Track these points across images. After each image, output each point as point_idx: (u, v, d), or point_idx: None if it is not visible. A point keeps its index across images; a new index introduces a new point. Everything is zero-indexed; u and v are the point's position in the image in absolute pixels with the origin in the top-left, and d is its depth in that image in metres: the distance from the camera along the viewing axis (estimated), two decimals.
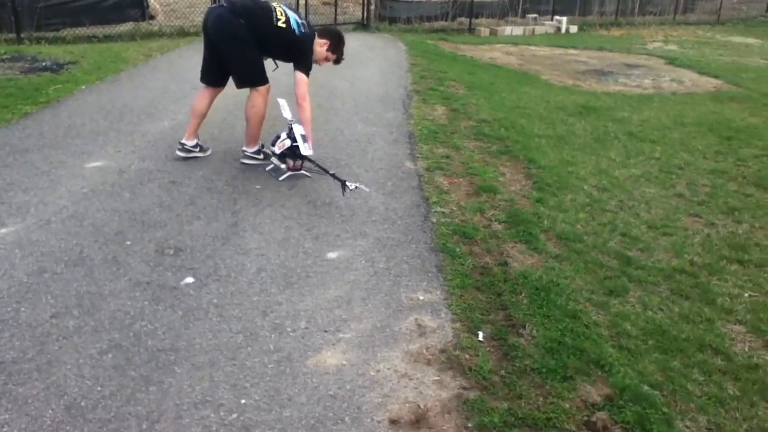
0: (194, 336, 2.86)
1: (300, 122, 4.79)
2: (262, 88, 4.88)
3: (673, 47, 14.80)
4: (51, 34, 10.74)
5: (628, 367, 2.82)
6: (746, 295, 3.63)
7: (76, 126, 5.86)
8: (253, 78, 4.85)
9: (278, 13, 4.73)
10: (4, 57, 9.00)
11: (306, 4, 13.84)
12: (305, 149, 4.70)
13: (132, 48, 10.30)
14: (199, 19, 12.80)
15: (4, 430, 2.25)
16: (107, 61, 9.03)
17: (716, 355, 3.01)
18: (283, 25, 4.72)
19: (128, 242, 3.71)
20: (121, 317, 2.97)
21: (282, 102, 4.83)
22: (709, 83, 10.56)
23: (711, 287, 3.67)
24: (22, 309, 2.98)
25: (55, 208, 4.10)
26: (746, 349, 3.10)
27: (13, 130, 5.67)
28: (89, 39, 10.91)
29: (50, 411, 2.36)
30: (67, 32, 10.99)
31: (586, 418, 2.50)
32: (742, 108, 8.74)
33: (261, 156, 5.09)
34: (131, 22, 11.95)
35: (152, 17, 12.67)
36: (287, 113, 4.79)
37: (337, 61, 5.10)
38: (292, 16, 4.83)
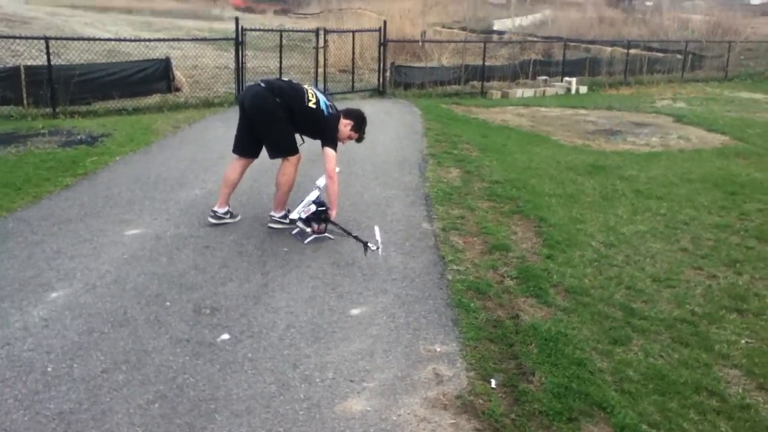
0: (232, 387, 3.16)
1: (327, 192, 5.19)
2: (293, 158, 5.31)
3: (681, 104, 15.20)
4: (84, 108, 11.37)
5: (628, 409, 3.08)
6: (743, 341, 3.87)
7: (114, 196, 6.28)
8: (286, 149, 5.29)
9: (309, 95, 5.21)
10: (43, 131, 9.56)
11: (324, 73, 14.49)
12: (295, 213, 5.14)
13: (160, 119, 10.86)
14: (222, 89, 13.51)
15: None
16: (138, 133, 9.55)
17: (712, 397, 3.26)
18: (314, 106, 5.19)
19: (168, 303, 4.04)
20: (165, 371, 3.28)
21: (322, 179, 5.27)
22: (716, 140, 10.88)
23: (710, 335, 3.92)
24: (75, 365, 3.31)
25: (99, 273, 4.46)
26: (740, 391, 3.34)
27: (56, 200, 6.10)
28: (119, 111, 11.52)
29: None
30: (98, 105, 11.63)
31: None
32: (748, 163, 9.03)
33: (287, 221, 5.46)
34: (158, 94, 12.57)
35: (177, 89, 13.31)
36: (320, 182, 5.21)
37: (359, 140, 5.55)
38: (322, 98, 5.29)
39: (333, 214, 5.24)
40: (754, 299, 4.49)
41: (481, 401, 3.11)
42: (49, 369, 3.25)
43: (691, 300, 4.42)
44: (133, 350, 3.47)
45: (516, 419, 3.00)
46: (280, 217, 5.49)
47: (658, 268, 4.98)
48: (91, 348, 3.47)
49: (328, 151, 5.22)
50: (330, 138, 5.27)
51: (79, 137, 9.21)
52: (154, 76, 12.92)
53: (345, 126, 5.41)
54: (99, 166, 7.52)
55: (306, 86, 5.40)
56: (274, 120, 5.20)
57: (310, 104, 5.22)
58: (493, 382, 3.29)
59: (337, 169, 5.31)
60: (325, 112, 5.28)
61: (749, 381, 3.45)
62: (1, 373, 3.20)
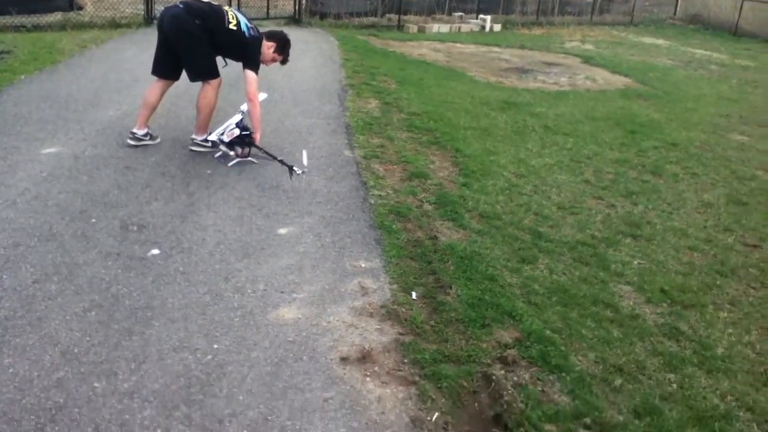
0: (166, 297, 3.28)
1: (250, 116, 5.23)
2: (213, 82, 5.28)
3: (589, 47, 15.75)
4: None
5: (535, 317, 3.42)
6: (636, 262, 4.31)
7: (23, 114, 6.06)
8: (206, 72, 5.25)
9: (230, 17, 5.15)
10: None
11: None
12: (214, 135, 5.25)
13: (64, 38, 10.34)
14: (128, 10, 12.91)
15: (10, 371, 2.63)
16: (42, 52, 9.10)
17: (607, 308, 3.66)
18: (234, 28, 5.14)
19: (93, 220, 4.06)
20: (97, 282, 3.35)
21: (244, 105, 5.29)
22: (619, 81, 11.44)
23: (607, 256, 4.33)
24: (5, 276, 3.32)
25: (18, 190, 4.39)
26: (631, 304, 3.77)
27: None
28: (17, 28, 10.83)
29: (47, 356, 2.75)
30: None
31: (499, 355, 3.07)
32: (648, 105, 9.61)
33: (209, 144, 5.47)
34: (59, 12, 11.89)
35: (80, 7, 12.61)
36: (244, 107, 5.23)
37: (284, 62, 5.54)
38: (243, 20, 5.25)
39: (257, 137, 5.30)
40: (647, 226, 4.95)
41: (403, 310, 3.37)
42: None
43: (592, 226, 4.83)
44: (63, 263, 3.50)
45: (435, 326, 3.28)
46: (201, 140, 5.49)
47: (563, 197, 5.37)
48: (19, 260, 3.48)
49: (249, 74, 5.22)
50: (251, 60, 5.27)
51: None
52: None
53: (268, 48, 5.40)
54: (3, 83, 7.17)
55: (226, 8, 5.34)
56: (194, 42, 5.14)
57: (231, 26, 5.17)
58: (414, 294, 3.55)
59: (265, 95, 5.33)
60: (247, 34, 5.24)
61: (639, 296, 3.88)
62: None
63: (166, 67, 5.36)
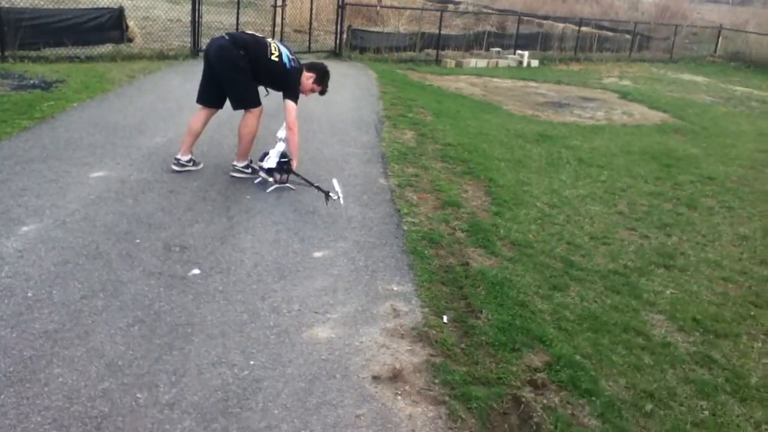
0: (206, 314, 3.41)
1: (288, 143, 5.39)
2: (255, 110, 5.48)
3: (627, 82, 15.78)
4: (34, 53, 11.09)
5: (565, 343, 3.47)
6: (668, 292, 4.32)
7: (74, 140, 6.33)
8: (248, 101, 5.45)
9: (272, 48, 5.37)
10: None
11: (281, 32, 14.49)
12: (267, 162, 5.36)
13: (115, 69, 10.74)
14: (176, 43, 13.37)
15: (60, 380, 2.77)
16: (93, 81, 9.47)
17: (638, 336, 3.68)
18: (276, 59, 5.35)
19: (138, 240, 4.23)
20: (141, 299, 3.50)
21: (282, 130, 5.45)
22: (656, 116, 11.44)
23: (639, 285, 4.36)
24: (54, 291, 3.49)
25: (68, 211, 4.59)
26: (663, 332, 3.78)
27: (16, 142, 6.12)
28: (71, 59, 11.30)
29: (94, 367, 2.88)
30: (49, 51, 11.37)
31: (529, 378, 3.12)
32: (685, 140, 9.59)
33: (249, 170, 5.65)
34: (111, 44, 12.37)
35: (130, 40, 13.10)
36: (281, 133, 5.40)
37: (322, 92, 5.72)
38: (285, 51, 5.45)
39: (294, 164, 5.46)
40: (680, 257, 4.95)
41: (434, 332, 3.45)
42: (30, 294, 3.42)
43: (624, 256, 4.86)
44: (109, 280, 3.66)
45: (465, 348, 3.34)
46: (242, 167, 5.67)
47: (595, 227, 5.40)
48: (68, 277, 3.65)
49: (289, 103, 5.41)
50: (291, 90, 5.45)
51: (32, 82, 9.08)
52: (108, 25, 12.66)
53: (308, 79, 5.59)
54: (56, 110, 7.49)
55: (269, 40, 5.56)
56: (238, 72, 5.35)
57: (273, 57, 5.38)
58: (445, 318, 3.63)
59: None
60: (288, 65, 5.45)
61: (671, 324, 3.90)
62: None
63: (210, 96, 5.57)
